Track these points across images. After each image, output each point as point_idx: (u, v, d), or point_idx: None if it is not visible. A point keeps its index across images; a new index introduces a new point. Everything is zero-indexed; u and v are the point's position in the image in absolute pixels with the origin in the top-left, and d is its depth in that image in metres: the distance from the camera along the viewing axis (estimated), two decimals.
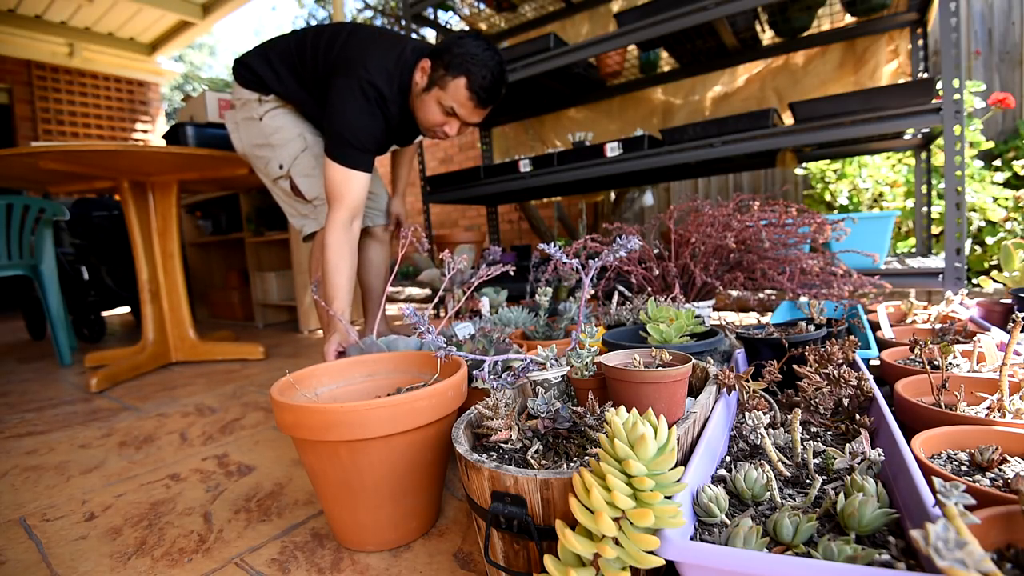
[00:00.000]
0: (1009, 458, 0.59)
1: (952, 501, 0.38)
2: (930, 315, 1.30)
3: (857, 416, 0.73)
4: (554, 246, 0.85)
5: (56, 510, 0.97)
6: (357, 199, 1.40)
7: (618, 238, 0.79)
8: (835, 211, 2.63)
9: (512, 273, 1.04)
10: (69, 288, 2.87)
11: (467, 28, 3.15)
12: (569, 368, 0.80)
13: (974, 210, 2.27)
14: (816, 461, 0.66)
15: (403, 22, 2.76)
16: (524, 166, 2.29)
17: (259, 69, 1.53)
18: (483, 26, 3.07)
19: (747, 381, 0.77)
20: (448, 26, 3.14)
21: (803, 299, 1.23)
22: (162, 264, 2.20)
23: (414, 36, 2.51)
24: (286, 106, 1.57)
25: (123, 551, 0.82)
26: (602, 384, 0.75)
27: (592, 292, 1.42)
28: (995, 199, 2.26)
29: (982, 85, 2.40)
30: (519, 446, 0.69)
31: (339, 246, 1.35)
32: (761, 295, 1.40)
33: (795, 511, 0.51)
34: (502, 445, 0.69)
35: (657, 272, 1.37)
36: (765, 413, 0.77)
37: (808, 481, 0.61)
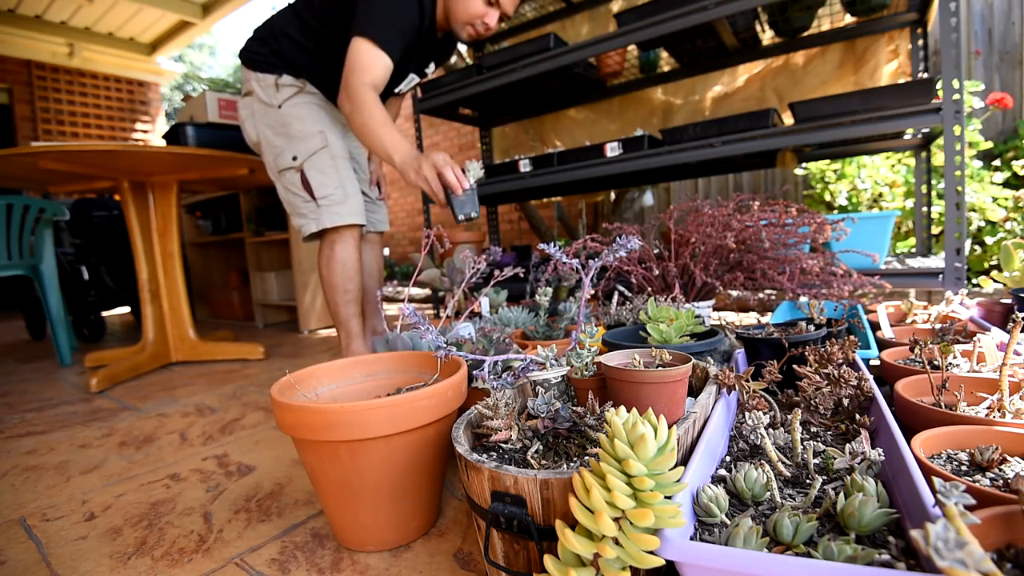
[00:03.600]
0: (1009, 458, 0.59)
1: (952, 501, 0.38)
2: (930, 315, 1.30)
3: (857, 416, 0.73)
4: (554, 246, 0.85)
5: (56, 510, 0.98)
6: (380, 78, 1.37)
7: (618, 238, 0.79)
8: (835, 211, 2.63)
9: (514, 273, 1.04)
10: (69, 288, 2.87)
11: None
12: (569, 368, 0.80)
13: (974, 210, 2.27)
14: (816, 461, 0.66)
15: None
16: (524, 166, 2.29)
17: (270, 40, 1.50)
18: None
19: (747, 381, 0.77)
20: None
21: (803, 299, 1.23)
22: (162, 264, 2.20)
23: None
24: (304, 92, 1.54)
25: (123, 551, 0.82)
26: (602, 384, 0.75)
27: (592, 292, 1.42)
28: (995, 199, 2.26)
29: (981, 85, 2.39)
30: (519, 446, 0.69)
31: (374, 100, 1.34)
32: (761, 295, 1.40)
33: (795, 511, 0.51)
34: (502, 445, 0.69)
35: (657, 272, 1.37)
36: (765, 413, 0.77)
37: (808, 481, 0.61)
